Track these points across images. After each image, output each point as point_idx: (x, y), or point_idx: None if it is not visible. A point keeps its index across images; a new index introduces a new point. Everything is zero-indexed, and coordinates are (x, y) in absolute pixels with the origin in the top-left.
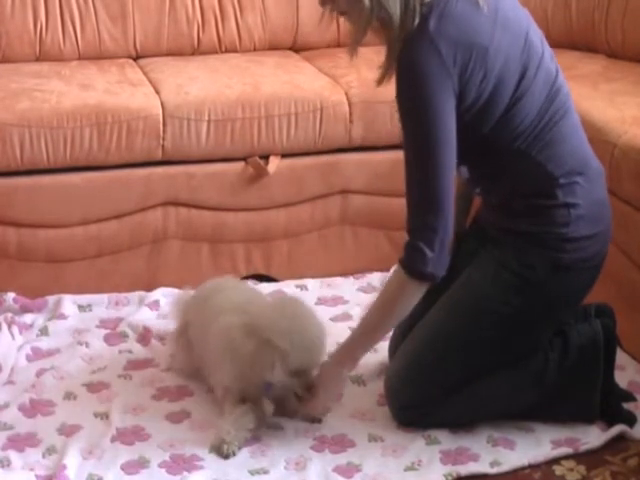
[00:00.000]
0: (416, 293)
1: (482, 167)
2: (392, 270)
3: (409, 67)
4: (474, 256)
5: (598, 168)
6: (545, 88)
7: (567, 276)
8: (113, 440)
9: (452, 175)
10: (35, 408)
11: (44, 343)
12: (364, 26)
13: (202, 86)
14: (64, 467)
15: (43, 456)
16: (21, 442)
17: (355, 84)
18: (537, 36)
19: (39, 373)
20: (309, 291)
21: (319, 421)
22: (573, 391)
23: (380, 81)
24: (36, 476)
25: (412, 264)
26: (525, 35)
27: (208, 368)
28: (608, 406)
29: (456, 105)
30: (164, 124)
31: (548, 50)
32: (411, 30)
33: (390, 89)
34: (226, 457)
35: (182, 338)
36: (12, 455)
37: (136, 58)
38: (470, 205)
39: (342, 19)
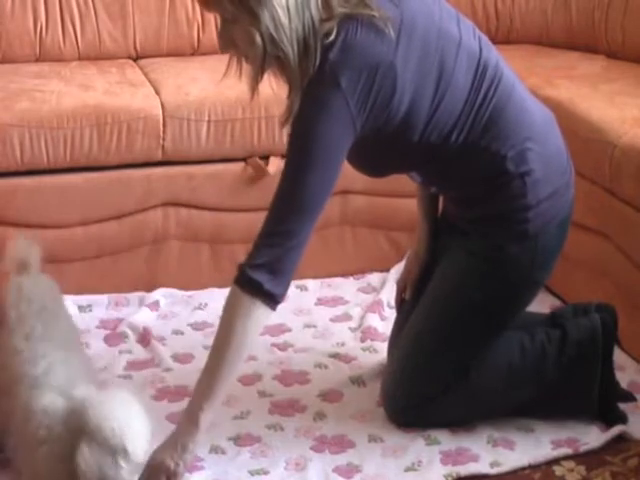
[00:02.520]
0: (251, 313)
1: (428, 170)
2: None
3: (307, 99)
4: (447, 251)
5: (544, 119)
6: (470, 73)
7: (537, 244)
8: None
9: (316, 216)
10: None
11: None
12: (260, 66)
13: (202, 86)
14: None
15: None
16: None
17: None
18: (452, 20)
19: None
20: (309, 291)
21: None
22: (571, 386)
23: (285, 122)
24: None
25: (249, 277)
26: (437, 27)
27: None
28: (607, 405)
29: (366, 125)
30: (164, 124)
31: (467, 27)
32: (312, 69)
33: None
34: None
35: None
36: None
37: (136, 59)
38: (438, 202)
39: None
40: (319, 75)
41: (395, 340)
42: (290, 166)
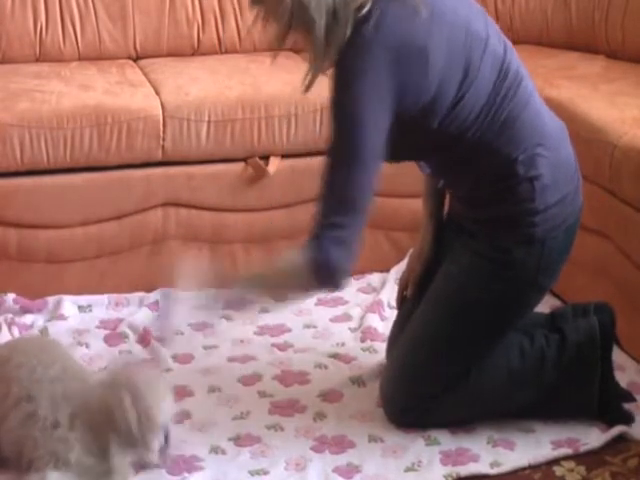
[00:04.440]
0: (310, 291)
1: (440, 162)
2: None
3: (344, 75)
4: (451, 250)
5: (556, 127)
6: (493, 73)
7: (544, 247)
8: None
9: (371, 188)
10: None
11: None
12: (285, 27)
13: (202, 87)
14: None
15: None
16: None
17: None
18: (480, 20)
19: None
20: None
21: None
22: (571, 388)
23: (307, 89)
24: None
25: (320, 265)
26: (466, 25)
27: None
28: (607, 405)
29: (396, 107)
30: (164, 125)
31: (493, 29)
32: (342, 41)
33: None
34: None
35: None
36: None
37: (136, 59)
38: (443, 201)
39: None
40: (354, 49)
41: (395, 339)
42: (339, 145)
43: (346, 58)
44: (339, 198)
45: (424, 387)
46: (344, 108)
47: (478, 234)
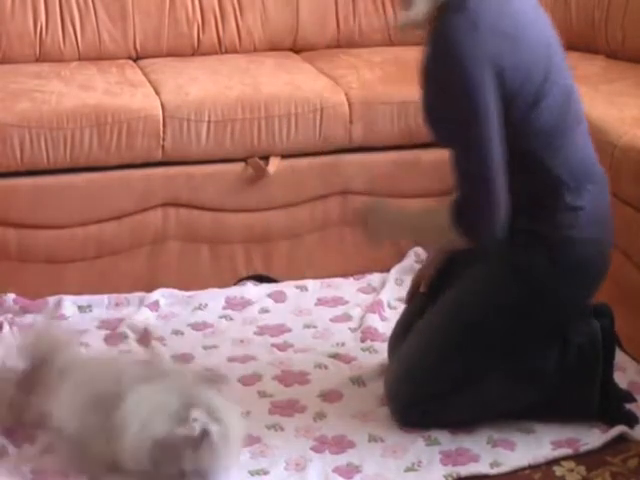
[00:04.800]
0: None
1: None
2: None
3: (448, 47)
4: (470, 255)
5: (603, 174)
6: (564, 92)
7: (569, 276)
8: None
9: (502, 157)
10: None
11: None
12: None
13: (202, 87)
14: None
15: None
16: (19, 439)
17: (355, 85)
18: (555, 39)
19: None
20: (309, 292)
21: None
22: (573, 390)
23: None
24: (31, 472)
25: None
26: (548, 38)
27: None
28: (609, 406)
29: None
30: (164, 125)
31: (563, 58)
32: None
33: (389, 89)
34: None
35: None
36: (10, 448)
37: (136, 59)
38: None
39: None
40: (456, 20)
41: (400, 333)
42: (462, 117)
43: (448, 28)
44: (473, 174)
45: (430, 388)
46: (455, 87)
47: (504, 241)
